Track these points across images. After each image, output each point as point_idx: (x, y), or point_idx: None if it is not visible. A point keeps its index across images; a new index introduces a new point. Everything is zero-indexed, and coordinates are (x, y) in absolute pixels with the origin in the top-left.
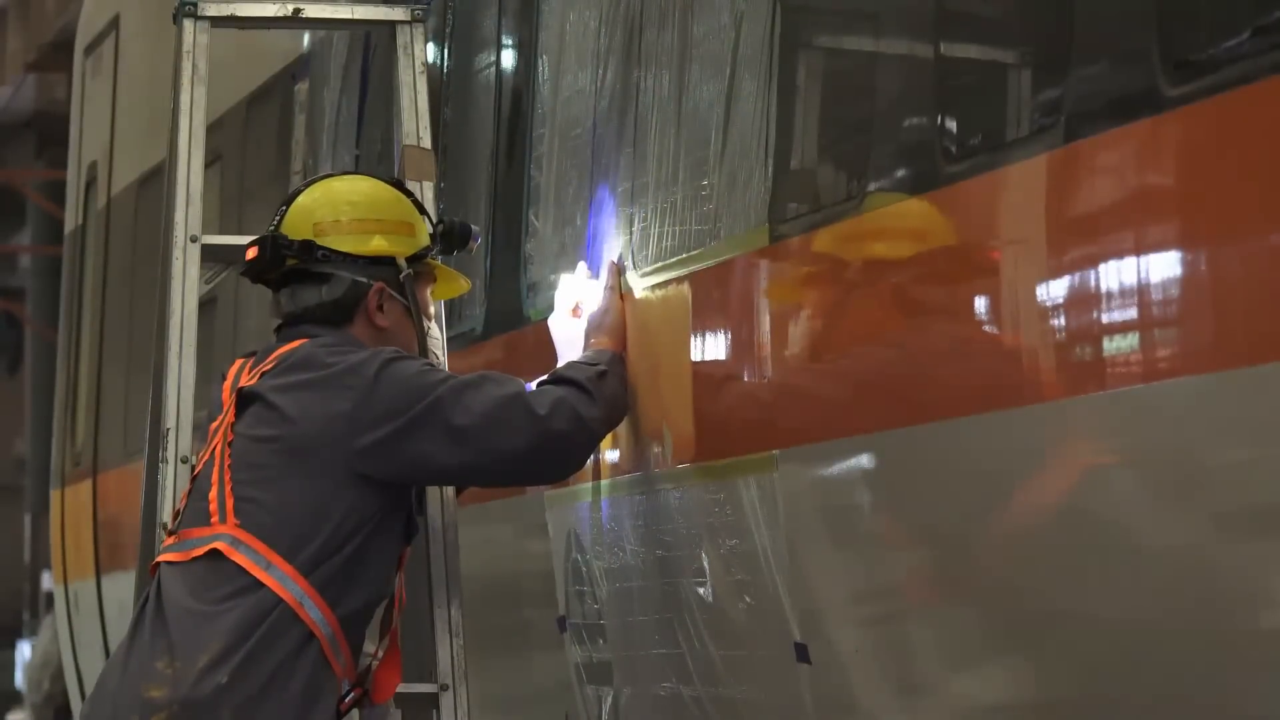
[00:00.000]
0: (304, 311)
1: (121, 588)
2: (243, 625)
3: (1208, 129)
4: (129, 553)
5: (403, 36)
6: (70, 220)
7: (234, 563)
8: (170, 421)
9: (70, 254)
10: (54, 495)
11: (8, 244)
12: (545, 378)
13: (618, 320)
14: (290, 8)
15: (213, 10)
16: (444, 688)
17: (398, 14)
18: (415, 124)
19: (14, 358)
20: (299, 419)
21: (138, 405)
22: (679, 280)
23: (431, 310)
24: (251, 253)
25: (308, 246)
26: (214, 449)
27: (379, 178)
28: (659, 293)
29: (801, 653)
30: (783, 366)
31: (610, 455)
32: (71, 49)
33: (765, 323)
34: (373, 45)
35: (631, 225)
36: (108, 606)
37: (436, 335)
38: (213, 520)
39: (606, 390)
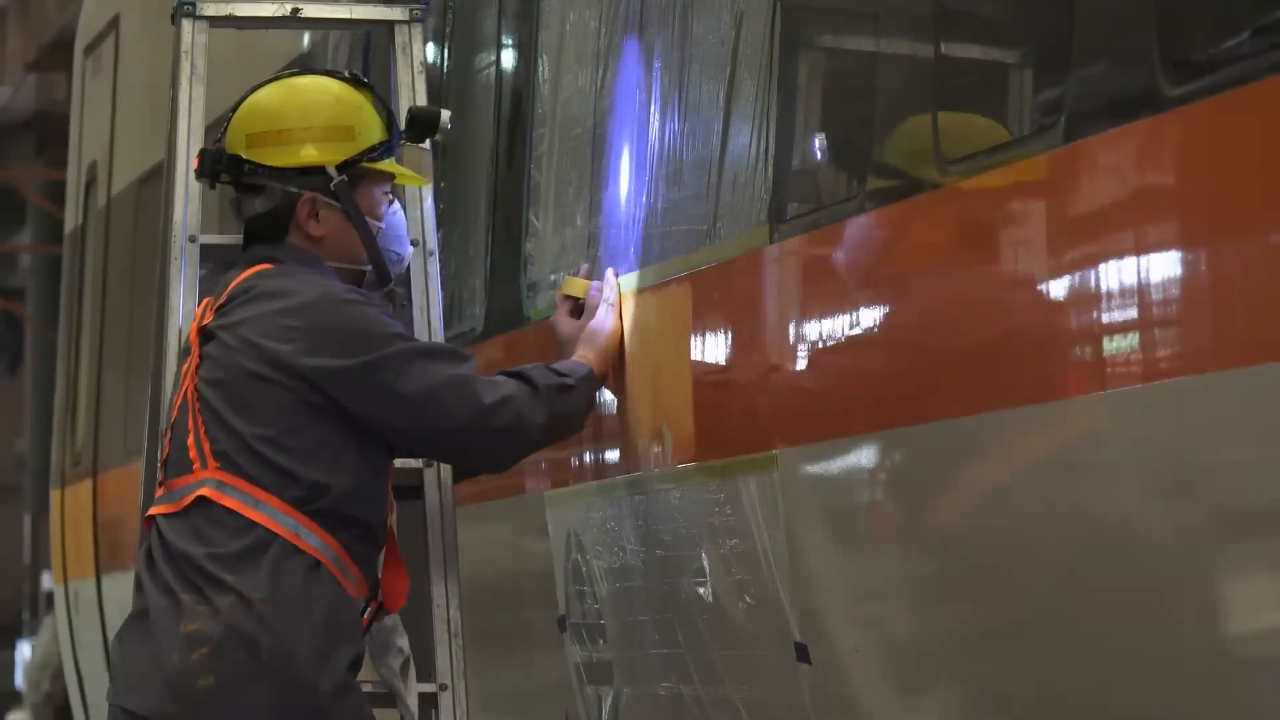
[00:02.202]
0: (249, 222)
1: (121, 588)
2: (250, 563)
3: (1208, 129)
4: (129, 553)
5: (401, 36)
6: (70, 220)
7: (223, 506)
8: (169, 421)
9: (70, 254)
10: (54, 495)
11: (8, 244)
12: (510, 370)
13: (611, 342)
14: (288, 7)
15: (211, 10)
16: (443, 688)
17: (396, 14)
18: None
19: (14, 358)
20: (250, 355)
21: (138, 405)
22: (679, 280)
23: (382, 210)
24: (195, 164)
25: (235, 162)
26: (185, 392)
27: (332, 74)
28: (659, 293)
29: (801, 653)
30: (783, 366)
31: (610, 455)
32: (71, 49)
33: (765, 322)
34: (372, 45)
35: (631, 225)
36: (108, 606)
37: (400, 220)
38: (194, 467)
39: (561, 404)
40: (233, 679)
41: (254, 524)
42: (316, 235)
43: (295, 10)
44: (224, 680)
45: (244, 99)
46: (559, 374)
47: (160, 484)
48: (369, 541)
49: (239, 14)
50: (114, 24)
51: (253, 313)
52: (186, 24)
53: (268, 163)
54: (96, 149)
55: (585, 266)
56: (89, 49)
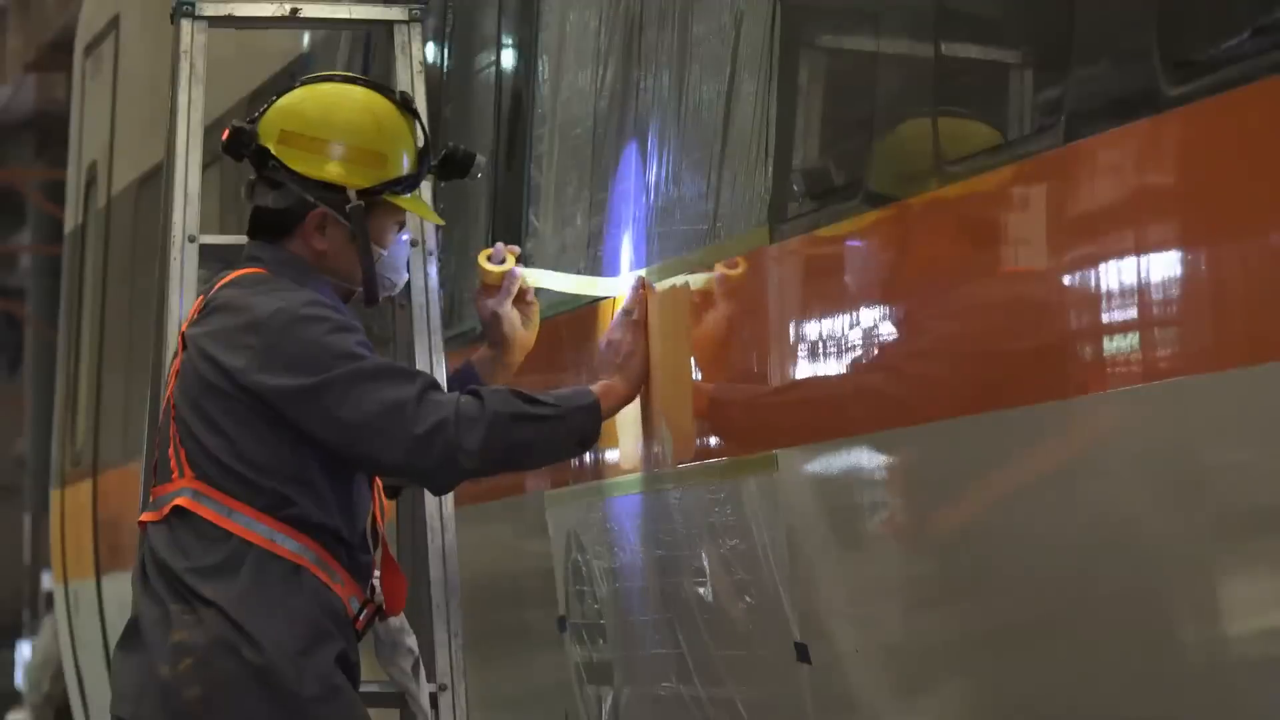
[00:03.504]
0: (255, 212)
1: (121, 587)
2: (228, 573)
3: (1208, 129)
4: (129, 553)
5: (400, 36)
6: (70, 220)
7: (199, 516)
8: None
9: (70, 254)
10: (54, 495)
11: (8, 244)
12: (475, 389)
13: (640, 367)
14: (287, 7)
15: (210, 10)
16: (442, 688)
17: (395, 14)
18: None
19: (14, 358)
20: (208, 367)
21: (138, 405)
22: (679, 280)
23: (390, 238)
24: (225, 134)
25: (262, 154)
26: (168, 395)
27: (384, 91)
28: (659, 292)
29: (801, 653)
30: (783, 366)
31: (610, 455)
32: (71, 49)
33: (765, 322)
34: (372, 45)
35: (631, 225)
36: (108, 606)
37: (404, 250)
38: (173, 475)
39: (516, 433)
40: (219, 688)
41: (230, 534)
42: (320, 249)
43: (294, 10)
44: (211, 690)
45: (286, 91)
46: (534, 402)
47: (152, 486)
48: (350, 544)
49: (238, 14)
50: (114, 24)
51: (215, 325)
52: (186, 24)
53: (292, 166)
54: (96, 149)
55: (500, 245)
56: (89, 49)
